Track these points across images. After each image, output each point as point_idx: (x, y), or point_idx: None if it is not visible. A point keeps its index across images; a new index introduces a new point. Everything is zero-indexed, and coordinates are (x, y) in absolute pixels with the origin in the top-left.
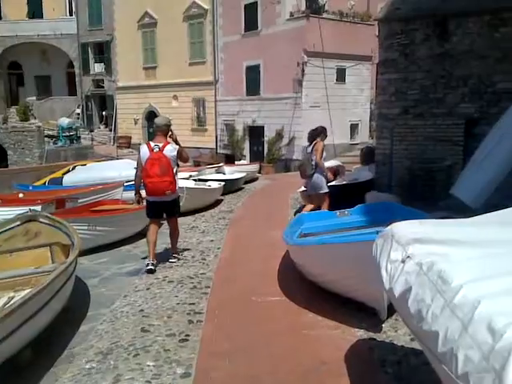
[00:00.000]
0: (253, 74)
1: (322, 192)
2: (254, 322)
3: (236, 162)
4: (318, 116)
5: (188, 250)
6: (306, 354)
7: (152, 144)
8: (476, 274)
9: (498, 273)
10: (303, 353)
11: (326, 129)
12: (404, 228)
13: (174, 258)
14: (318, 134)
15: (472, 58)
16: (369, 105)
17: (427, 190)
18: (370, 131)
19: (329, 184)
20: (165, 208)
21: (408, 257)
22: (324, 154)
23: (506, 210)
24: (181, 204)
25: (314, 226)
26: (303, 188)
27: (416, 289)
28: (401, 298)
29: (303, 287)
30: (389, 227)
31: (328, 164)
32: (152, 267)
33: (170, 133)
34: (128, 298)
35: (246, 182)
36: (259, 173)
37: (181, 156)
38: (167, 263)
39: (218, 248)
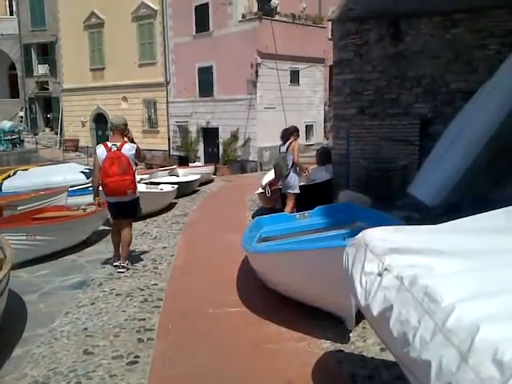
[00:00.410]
0: (205, 75)
1: (292, 192)
2: (211, 338)
3: (190, 164)
4: (273, 117)
5: (139, 258)
6: (270, 372)
7: (109, 144)
8: (468, 290)
9: (495, 290)
10: (267, 372)
11: (298, 128)
12: (378, 236)
13: (123, 267)
14: (291, 133)
15: (425, 59)
16: (323, 106)
17: (384, 190)
18: (324, 132)
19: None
20: (124, 208)
21: (385, 269)
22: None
23: (486, 214)
24: None
25: (274, 230)
26: (260, 190)
27: (398, 307)
28: (380, 318)
29: (264, 296)
30: (360, 235)
31: None
32: (123, 270)
33: (126, 132)
34: (70, 316)
35: (201, 184)
36: (214, 174)
37: (138, 155)
38: (115, 274)
39: (172, 255)
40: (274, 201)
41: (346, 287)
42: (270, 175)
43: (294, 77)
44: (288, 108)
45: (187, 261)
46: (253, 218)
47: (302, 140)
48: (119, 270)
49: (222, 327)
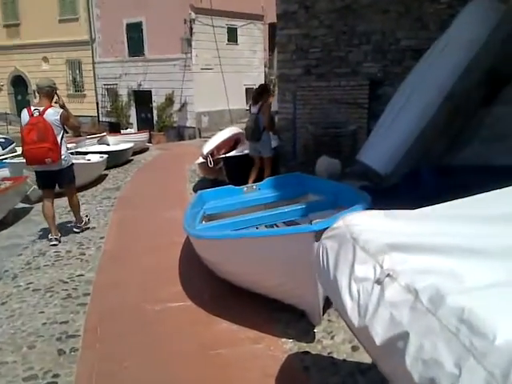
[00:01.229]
0: (135, 32)
1: (267, 156)
2: (149, 344)
3: (122, 131)
4: (211, 79)
5: (62, 241)
6: None
7: (32, 108)
8: None
9: None
10: None
11: (269, 88)
12: (366, 225)
13: (79, 227)
14: (261, 92)
15: (374, 13)
16: (263, 68)
17: (333, 157)
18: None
19: (227, 155)
20: (54, 178)
21: (387, 275)
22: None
23: (489, 194)
24: None
25: (219, 206)
26: (201, 159)
27: (418, 338)
28: (387, 349)
29: (213, 286)
30: (341, 222)
31: (226, 133)
32: (56, 242)
33: (56, 97)
34: None
35: (135, 154)
36: (149, 142)
37: (67, 122)
38: (33, 263)
39: (102, 238)
40: (217, 171)
41: (312, 276)
42: (212, 143)
43: (232, 35)
44: (226, 69)
45: (120, 244)
46: (194, 190)
47: (242, 104)
48: (76, 230)
49: (163, 329)
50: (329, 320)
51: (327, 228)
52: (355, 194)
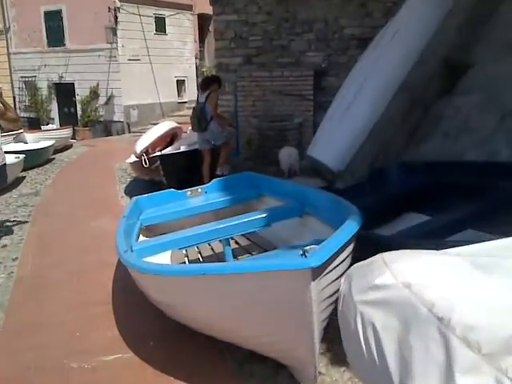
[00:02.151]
0: (54, 21)
1: (220, 143)
2: None
3: (42, 128)
4: (140, 71)
5: None
6: None
7: None
8: None
9: None
10: None
11: (220, 78)
12: (441, 287)
13: None
14: (210, 82)
15: None
16: (194, 60)
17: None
18: (197, 88)
19: (163, 152)
20: None
21: None
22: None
23: None
24: None
25: (159, 215)
26: (134, 158)
27: None
28: None
29: (160, 327)
30: (388, 275)
31: (162, 128)
32: None
33: None
34: None
35: (57, 152)
36: (73, 139)
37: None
38: None
39: (15, 259)
40: (153, 171)
41: (306, 325)
42: (146, 140)
43: (160, 25)
44: (156, 60)
45: (37, 268)
46: (126, 193)
47: (173, 97)
48: None
49: None
50: (319, 373)
51: (329, 261)
52: (325, 199)
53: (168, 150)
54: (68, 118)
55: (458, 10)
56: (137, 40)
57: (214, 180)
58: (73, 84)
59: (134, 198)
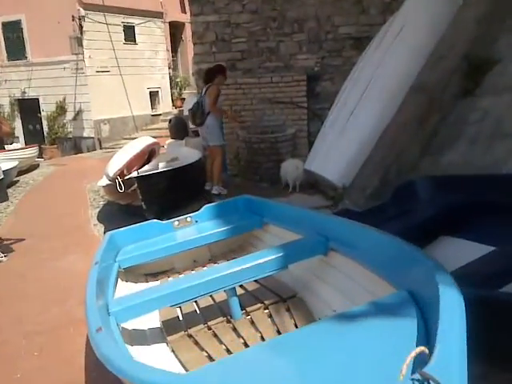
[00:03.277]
0: (13, 32)
1: (213, 144)
2: None
3: (6, 147)
4: (109, 83)
5: None
6: None
7: None
8: None
9: None
10: None
11: (225, 69)
12: None
13: None
14: (213, 73)
15: None
16: (167, 70)
17: (273, 167)
18: (172, 100)
19: (140, 173)
20: None
21: None
22: (221, 98)
23: None
24: None
25: (140, 254)
26: (106, 181)
27: None
28: None
29: None
30: None
31: (137, 145)
32: None
33: None
34: None
35: (22, 173)
36: (40, 157)
37: None
38: None
39: None
40: (130, 195)
41: None
42: (119, 160)
43: (129, 33)
44: (126, 71)
45: None
46: (100, 219)
47: (147, 110)
48: None
49: None
50: None
51: None
52: (363, 233)
53: (145, 170)
54: (33, 136)
55: (477, 3)
56: (105, 50)
57: (206, 207)
58: (37, 99)
59: (108, 233)
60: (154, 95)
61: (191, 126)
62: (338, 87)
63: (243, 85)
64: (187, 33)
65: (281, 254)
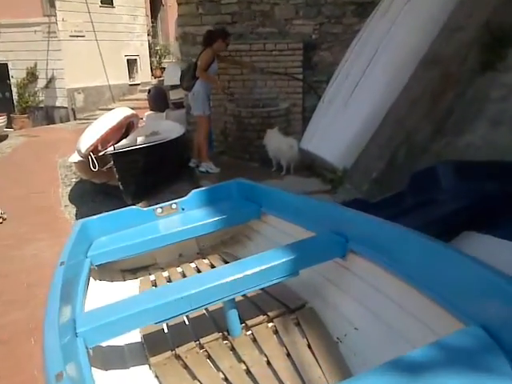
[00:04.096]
0: None
1: (197, 113)
2: None
3: None
4: (84, 49)
5: None
6: None
7: None
8: None
9: None
10: None
11: (227, 34)
12: None
13: None
14: (215, 36)
15: None
16: (146, 36)
17: (264, 145)
18: (151, 69)
19: (118, 150)
20: None
21: None
22: (215, 66)
23: None
24: None
25: (116, 248)
26: (78, 157)
27: None
28: None
29: None
30: None
31: (113, 117)
32: None
33: None
34: None
35: None
36: (9, 127)
37: None
38: None
39: None
40: (106, 174)
41: None
42: (92, 134)
43: None
44: (102, 37)
45: None
46: (71, 200)
47: (124, 79)
48: None
49: None
50: None
51: None
52: (380, 228)
53: (122, 145)
54: (2, 104)
55: None
56: (80, 13)
57: (194, 192)
58: (6, 64)
59: (79, 222)
60: (132, 63)
61: (172, 96)
62: (337, 58)
63: (233, 52)
64: None
65: (292, 257)
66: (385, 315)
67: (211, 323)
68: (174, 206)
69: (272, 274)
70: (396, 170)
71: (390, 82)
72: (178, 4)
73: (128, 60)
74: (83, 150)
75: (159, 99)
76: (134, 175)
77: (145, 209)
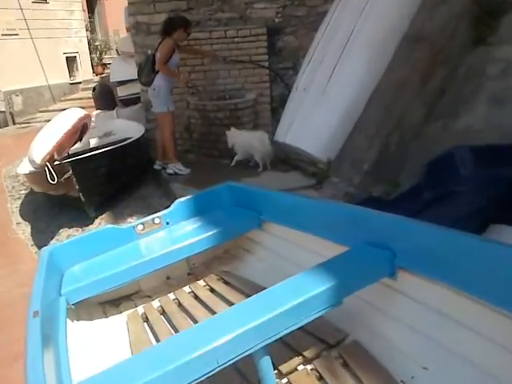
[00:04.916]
0: None
1: (159, 111)
2: None
3: None
4: (19, 48)
5: None
6: None
7: None
8: None
9: None
10: None
11: (188, 23)
12: None
13: None
14: (175, 25)
15: None
16: (85, 32)
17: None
18: (92, 66)
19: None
20: None
21: None
22: (177, 58)
23: None
24: None
25: (95, 281)
26: (29, 168)
27: None
28: None
29: None
30: None
31: (67, 120)
32: None
33: None
34: None
35: None
36: None
37: None
38: None
39: None
40: (65, 185)
41: None
42: (46, 140)
43: None
44: (38, 34)
45: None
46: (23, 215)
47: (64, 78)
48: None
49: None
50: None
51: None
52: (433, 236)
53: (77, 150)
54: None
55: None
56: (11, 10)
57: (178, 202)
58: None
59: (46, 250)
60: (71, 61)
61: (120, 93)
62: (302, 42)
63: (192, 40)
64: None
65: (332, 283)
66: (460, 347)
67: (238, 378)
68: (156, 220)
69: (311, 306)
70: (389, 159)
71: (370, 63)
72: None
73: (67, 58)
74: (38, 161)
75: (106, 97)
76: (96, 184)
77: (123, 226)
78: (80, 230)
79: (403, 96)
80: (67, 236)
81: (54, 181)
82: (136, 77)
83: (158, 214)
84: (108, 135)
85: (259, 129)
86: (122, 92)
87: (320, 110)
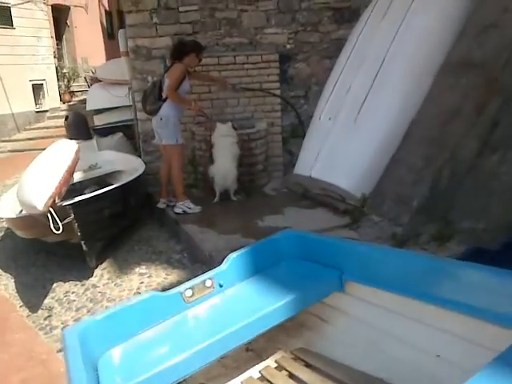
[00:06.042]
0: None
1: (168, 143)
2: None
3: None
4: None
5: None
6: None
7: None
8: None
9: None
10: None
11: (201, 47)
12: None
13: None
14: (188, 49)
15: None
16: (52, 59)
17: (247, 173)
18: (60, 94)
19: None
20: None
21: None
22: (188, 85)
23: None
24: None
25: (143, 366)
26: (15, 211)
27: None
28: None
29: None
30: None
31: (63, 155)
32: None
33: None
34: None
35: None
36: None
37: None
38: None
39: None
40: (64, 231)
41: None
42: (46, 178)
43: (4, 16)
44: (3, 60)
45: None
46: (4, 266)
47: (30, 106)
48: None
49: None
50: None
51: None
52: None
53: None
54: None
55: None
56: None
57: (231, 257)
58: None
59: (71, 331)
60: (37, 88)
61: (98, 122)
62: (314, 70)
63: (198, 66)
64: (73, 18)
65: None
66: None
67: None
68: (208, 282)
69: None
70: (440, 195)
71: (406, 92)
72: (128, 12)
73: (33, 85)
74: (41, 207)
75: (80, 126)
76: (99, 229)
77: (168, 293)
78: (79, 284)
79: (455, 126)
80: (64, 293)
81: (58, 230)
82: (116, 105)
83: (209, 273)
84: (93, 168)
85: (272, 161)
86: (99, 121)
87: (352, 142)
